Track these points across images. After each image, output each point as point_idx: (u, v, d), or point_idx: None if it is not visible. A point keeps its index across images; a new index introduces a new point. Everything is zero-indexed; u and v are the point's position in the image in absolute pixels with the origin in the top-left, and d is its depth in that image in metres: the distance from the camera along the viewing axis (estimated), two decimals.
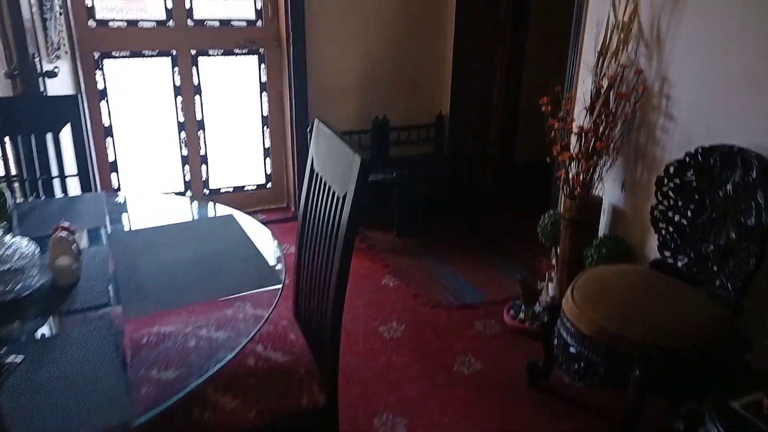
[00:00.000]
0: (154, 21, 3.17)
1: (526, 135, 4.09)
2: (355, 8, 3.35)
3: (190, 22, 3.22)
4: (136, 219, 1.70)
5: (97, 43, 3.07)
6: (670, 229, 2.01)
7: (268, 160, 3.69)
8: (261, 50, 3.42)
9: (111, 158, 3.31)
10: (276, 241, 1.54)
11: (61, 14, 2.33)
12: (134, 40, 3.14)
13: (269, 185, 3.75)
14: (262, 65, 3.46)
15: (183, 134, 3.42)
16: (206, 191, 3.59)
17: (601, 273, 2.00)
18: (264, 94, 3.52)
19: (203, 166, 3.53)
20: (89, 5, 2.98)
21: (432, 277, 2.96)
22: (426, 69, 3.65)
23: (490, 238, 3.45)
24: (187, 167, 3.50)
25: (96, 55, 3.09)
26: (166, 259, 1.38)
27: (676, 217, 1.99)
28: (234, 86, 3.47)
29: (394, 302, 2.71)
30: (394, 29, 3.48)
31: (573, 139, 2.41)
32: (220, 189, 3.65)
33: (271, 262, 1.43)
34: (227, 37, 3.32)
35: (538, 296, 2.60)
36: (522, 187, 4.00)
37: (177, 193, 3.53)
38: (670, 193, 2.00)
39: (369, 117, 3.54)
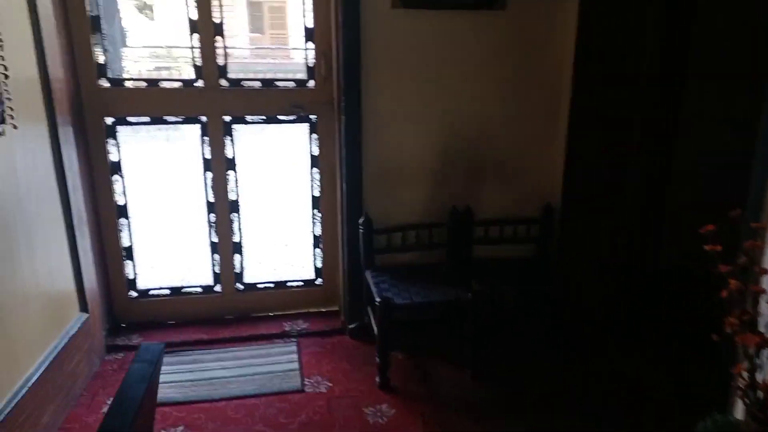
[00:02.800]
0: (180, 81, 2.57)
1: (678, 230, 2.86)
2: (430, 67, 2.49)
3: (224, 83, 2.57)
4: None
5: (110, 106, 2.52)
6: None
7: (318, 250, 2.91)
8: (313, 117, 2.68)
9: (126, 243, 2.72)
10: None
11: (7, 76, 1.75)
12: (156, 103, 2.55)
13: (319, 281, 2.96)
14: (314, 135, 2.71)
15: (213, 216, 2.75)
16: (240, 286, 2.88)
17: None
18: (315, 170, 2.77)
19: (236, 256, 2.83)
20: (100, 61, 2.44)
21: None
22: (529, 147, 2.67)
23: (613, 394, 2.33)
24: (216, 256, 2.82)
25: (109, 121, 2.54)
26: None
27: None
28: (278, 160, 2.76)
29: None
30: (484, 95, 2.56)
31: (764, 308, 1.32)
32: (257, 284, 2.92)
33: None
34: (270, 101, 2.63)
35: None
36: (673, 306, 2.83)
37: (205, 288, 2.86)
38: None
39: (445, 206, 2.63)
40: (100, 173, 2.58)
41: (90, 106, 2.48)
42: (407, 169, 2.61)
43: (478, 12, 2.44)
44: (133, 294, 2.81)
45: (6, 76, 1.77)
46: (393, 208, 2.62)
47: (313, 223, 2.87)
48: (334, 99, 2.58)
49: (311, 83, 2.64)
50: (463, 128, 2.59)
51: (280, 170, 2.84)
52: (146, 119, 2.58)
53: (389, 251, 2.61)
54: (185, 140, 2.63)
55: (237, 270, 2.86)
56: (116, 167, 2.61)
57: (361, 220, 2.54)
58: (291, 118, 2.67)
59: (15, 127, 1.82)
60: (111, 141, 2.57)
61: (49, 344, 2.11)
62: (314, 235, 2.90)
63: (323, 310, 2.96)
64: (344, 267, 2.73)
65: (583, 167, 2.57)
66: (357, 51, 2.40)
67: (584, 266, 2.69)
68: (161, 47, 2.71)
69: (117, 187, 2.63)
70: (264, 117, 2.66)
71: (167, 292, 2.85)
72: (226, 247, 2.81)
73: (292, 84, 2.65)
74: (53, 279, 2.17)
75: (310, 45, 2.58)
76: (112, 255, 2.71)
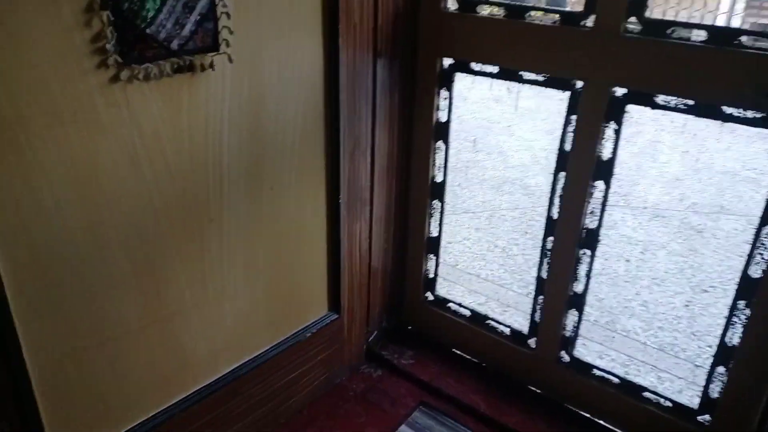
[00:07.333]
0: (558, 12, 1.49)
1: None
2: None
3: (632, 25, 1.37)
4: None
5: (450, 42, 1.67)
6: None
7: (721, 369, 1.52)
8: None
9: (433, 233, 1.97)
10: None
11: None
12: (511, 45, 1.57)
13: (703, 419, 1.59)
14: None
15: (550, 241, 1.70)
16: (565, 356, 1.80)
17: None
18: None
19: (571, 313, 1.74)
20: None
21: None
22: None
23: None
24: (540, 299, 1.79)
25: (446, 63, 1.71)
26: None
27: None
28: (694, 183, 1.44)
29: None
30: None
31: None
32: (592, 366, 1.78)
33: None
34: (715, 73, 1.29)
35: None
36: None
37: (514, 334, 1.90)
38: None
39: None
40: (420, 136, 1.83)
41: (423, 38, 1.70)
42: None
43: None
44: (429, 297, 2.10)
45: None
46: None
47: (730, 320, 1.47)
48: None
49: None
50: None
51: (693, 201, 1.50)
52: (493, 69, 1.64)
53: None
54: (539, 112, 1.58)
55: (567, 333, 1.77)
56: (442, 131, 1.81)
57: None
58: (748, 114, 1.28)
59: (230, 59, 1.20)
60: (443, 93, 1.76)
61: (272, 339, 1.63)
62: (722, 342, 1.51)
63: None
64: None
65: None
66: None
67: None
68: None
69: (438, 156, 1.85)
70: (692, 100, 1.35)
71: (467, 313, 2.02)
72: (557, 292, 1.74)
73: None
74: (293, 266, 1.62)
75: None
76: (414, 244, 2.01)
